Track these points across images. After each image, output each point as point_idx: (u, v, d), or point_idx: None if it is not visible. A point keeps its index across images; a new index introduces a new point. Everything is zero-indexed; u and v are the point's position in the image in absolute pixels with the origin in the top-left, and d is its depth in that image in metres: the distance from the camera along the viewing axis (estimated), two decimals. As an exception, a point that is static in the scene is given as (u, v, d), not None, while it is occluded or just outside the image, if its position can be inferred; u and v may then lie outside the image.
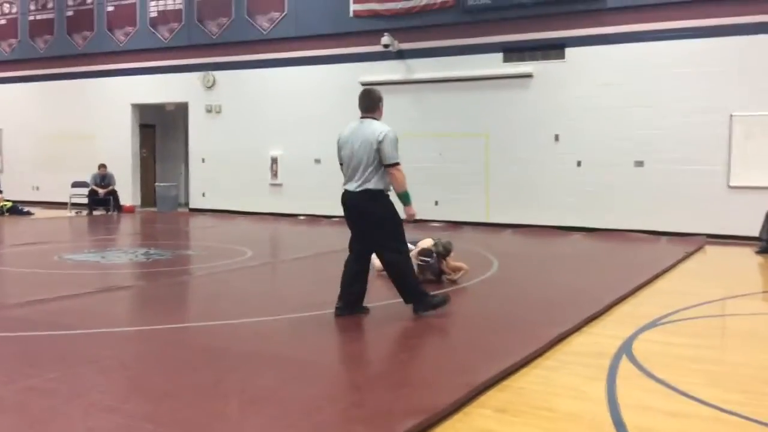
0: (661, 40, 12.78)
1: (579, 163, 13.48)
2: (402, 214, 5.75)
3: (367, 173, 5.55)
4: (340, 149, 5.78)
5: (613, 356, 4.77)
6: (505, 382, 4.20)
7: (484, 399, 3.90)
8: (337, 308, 5.75)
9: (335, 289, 6.59)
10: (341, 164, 5.81)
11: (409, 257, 5.89)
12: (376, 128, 5.60)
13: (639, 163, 12.98)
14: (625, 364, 4.61)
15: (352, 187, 5.63)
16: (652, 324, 5.81)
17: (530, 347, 4.79)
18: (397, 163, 5.58)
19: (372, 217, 5.63)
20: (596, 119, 13.28)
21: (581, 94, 13.39)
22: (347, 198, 5.71)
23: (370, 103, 5.79)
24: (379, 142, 5.51)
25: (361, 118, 5.77)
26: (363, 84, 15.43)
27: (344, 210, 5.79)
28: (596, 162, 13.31)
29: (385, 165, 5.55)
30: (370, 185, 5.56)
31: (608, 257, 10.27)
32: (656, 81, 12.78)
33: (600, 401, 3.89)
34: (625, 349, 4.98)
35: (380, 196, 5.61)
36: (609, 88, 13.14)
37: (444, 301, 5.89)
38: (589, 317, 5.86)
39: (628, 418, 3.62)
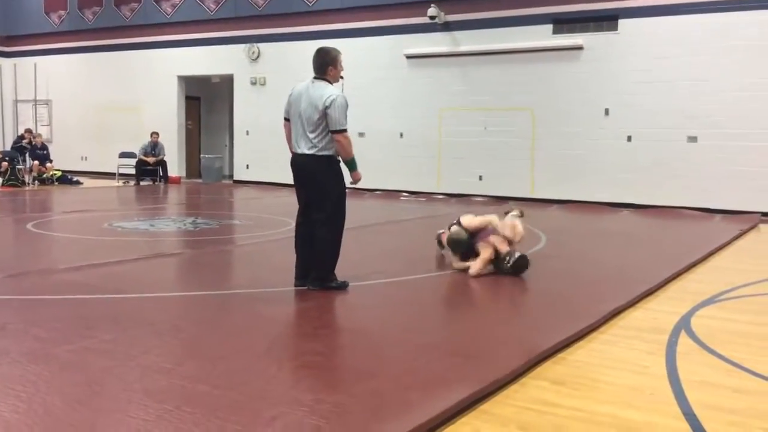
0: (718, 12, 12.34)
1: (629, 138, 13.17)
2: (348, 179, 5.50)
3: (315, 137, 5.27)
4: (289, 106, 5.47)
5: (671, 332, 4.64)
6: (561, 355, 4.12)
7: (540, 371, 3.83)
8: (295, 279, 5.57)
9: (380, 261, 6.56)
10: (286, 119, 5.53)
11: (341, 228, 5.50)
12: (325, 92, 5.26)
13: (692, 139, 12.62)
14: (684, 339, 4.49)
15: (301, 150, 5.36)
16: (710, 300, 5.64)
17: (585, 321, 4.69)
18: (344, 130, 5.29)
19: (320, 183, 5.36)
20: (649, 93, 12.92)
21: (634, 67, 13.04)
22: (297, 162, 5.43)
23: (319, 63, 5.41)
24: (326, 107, 5.20)
25: (313, 78, 5.42)
26: (408, 56, 15.31)
27: (294, 175, 5.51)
28: (648, 137, 12.98)
29: (330, 131, 5.26)
30: (320, 150, 5.29)
31: (660, 234, 10.02)
32: (712, 54, 12.36)
33: (660, 376, 3.78)
34: (684, 324, 4.84)
35: (332, 161, 5.36)
36: (663, 61, 12.76)
37: (343, 286, 5.51)
38: (643, 293, 5.71)
39: (690, 394, 3.51)
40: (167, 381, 3.42)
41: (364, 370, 3.71)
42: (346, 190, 5.53)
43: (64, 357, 3.78)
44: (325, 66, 5.40)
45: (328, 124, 5.25)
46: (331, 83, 5.40)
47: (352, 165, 5.48)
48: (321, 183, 5.38)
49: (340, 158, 5.45)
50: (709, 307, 5.42)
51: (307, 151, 5.32)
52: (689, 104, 12.57)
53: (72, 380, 3.43)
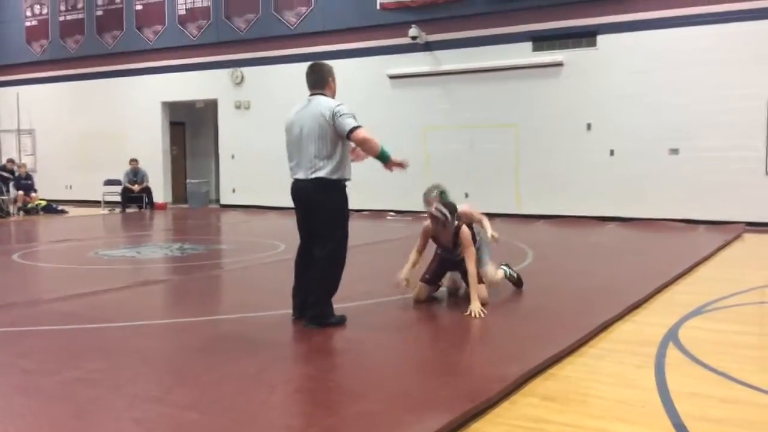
0: (694, 25, 12.54)
1: (612, 152, 13.30)
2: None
3: (322, 158, 4.85)
4: (287, 133, 5.08)
5: (660, 344, 4.67)
6: (550, 371, 4.13)
7: (530, 387, 3.83)
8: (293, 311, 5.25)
9: (370, 281, 6.55)
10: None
11: (344, 259, 5.13)
12: (328, 103, 4.88)
13: (674, 151, 12.76)
14: (672, 351, 4.51)
15: (303, 175, 4.93)
16: (697, 311, 5.68)
17: (573, 336, 4.71)
18: (359, 126, 4.82)
19: (323, 210, 4.95)
20: (629, 107, 13.08)
21: (614, 82, 13.20)
22: (300, 189, 4.99)
23: (317, 77, 5.06)
24: (335, 114, 4.80)
25: (309, 97, 5.06)
26: (391, 77, 15.42)
27: (294, 202, 5.12)
28: (630, 150, 13.12)
29: (347, 135, 4.80)
30: (324, 173, 4.85)
31: (645, 246, 10.09)
32: (690, 67, 12.54)
33: (650, 389, 3.80)
34: (671, 336, 4.87)
35: (337, 186, 4.95)
36: (642, 76, 12.93)
37: (342, 321, 5.15)
38: (631, 305, 5.75)
39: (680, 406, 3.53)
40: (157, 409, 3.40)
41: (356, 392, 3.71)
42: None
43: (52, 388, 3.75)
44: (324, 79, 5.07)
45: (339, 132, 4.82)
46: (329, 97, 5.05)
47: (386, 157, 5.00)
48: (326, 212, 4.97)
49: (347, 182, 5.07)
50: (696, 318, 5.46)
51: (311, 176, 4.88)
52: (670, 117, 12.73)
53: (60, 412, 3.41)
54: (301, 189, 5.03)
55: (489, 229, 6.10)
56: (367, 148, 4.94)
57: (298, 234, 5.31)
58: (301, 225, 5.23)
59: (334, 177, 4.94)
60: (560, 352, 4.38)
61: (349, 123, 4.82)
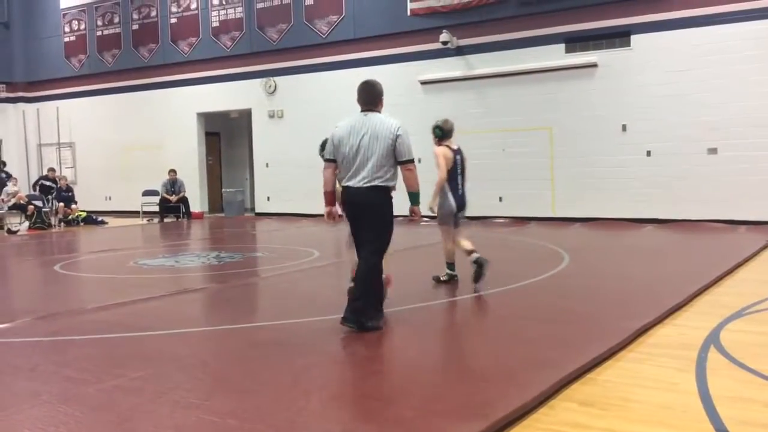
0: (730, 23, 12.33)
1: (649, 153, 13.11)
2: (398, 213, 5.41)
3: (378, 169, 5.18)
4: (337, 144, 5.29)
5: (701, 347, 4.59)
6: (589, 376, 4.08)
7: (568, 392, 3.79)
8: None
9: (405, 287, 6.54)
10: (327, 159, 5.38)
11: (382, 265, 5.39)
12: (391, 122, 5.25)
13: (712, 151, 12.54)
14: (713, 354, 4.43)
15: (358, 183, 5.21)
16: (738, 314, 5.57)
17: (612, 340, 4.65)
18: (413, 160, 5.29)
19: (378, 215, 5.28)
20: (665, 107, 12.88)
21: (649, 82, 13.02)
22: (353, 195, 5.26)
23: (371, 96, 5.41)
24: (398, 136, 5.18)
25: (364, 112, 5.37)
26: (423, 82, 15.42)
27: (349, 208, 5.37)
28: (667, 151, 12.92)
29: (400, 161, 5.23)
30: (382, 182, 5.22)
31: (684, 248, 9.93)
32: (727, 65, 12.32)
33: (691, 393, 3.73)
34: (713, 339, 4.78)
35: (387, 191, 5.30)
36: (678, 75, 12.74)
37: (380, 327, 5.23)
38: (670, 309, 5.65)
39: (722, 410, 3.46)
40: (196, 416, 3.45)
41: (391, 398, 3.71)
42: None
43: (95, 396, 3.82)
44: (378, 98, 5.42)
45: (398, 155, 5.20)
46: (380, 113, 5.37)
47: (417, 198, 5.49)
48: (382, 215, 5.30)
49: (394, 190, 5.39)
50: (738, 321, 5.35)
51: (367, 184, 5.19)
52: (707, 116, 12.51)
53: (103, 419, 3.47)
54: (353, 194, 5.28)
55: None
56: (411, 180, 5.34)
57: (354, 240, 5.47)
58: (356, 231, 5.43)
59: (387, 185, 5.29)
60: (599, 357, 4.33)
61: (408, 153, 5.26)
